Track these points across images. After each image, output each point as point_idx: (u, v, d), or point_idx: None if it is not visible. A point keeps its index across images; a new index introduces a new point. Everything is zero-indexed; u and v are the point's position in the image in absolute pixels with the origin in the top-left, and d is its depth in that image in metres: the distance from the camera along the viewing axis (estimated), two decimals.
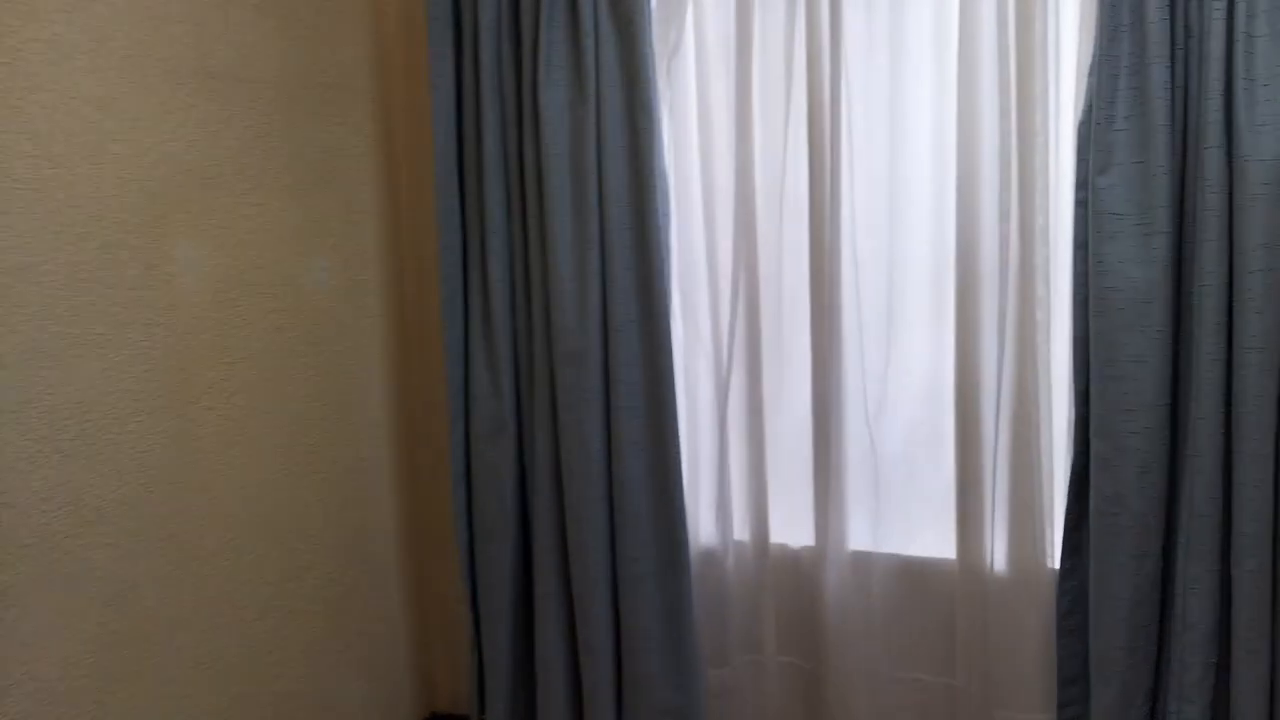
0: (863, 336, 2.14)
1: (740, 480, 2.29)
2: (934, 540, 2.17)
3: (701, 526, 2.32)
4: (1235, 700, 1.88)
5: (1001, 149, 2.00)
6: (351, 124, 2.38)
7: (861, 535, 2.22)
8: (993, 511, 2.10)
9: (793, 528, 2.28)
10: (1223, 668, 1.90)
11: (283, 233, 2.21)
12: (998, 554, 2.11)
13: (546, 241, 2.23)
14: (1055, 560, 2.05)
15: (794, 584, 2.29)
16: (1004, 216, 2.01)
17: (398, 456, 2.52)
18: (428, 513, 2.57)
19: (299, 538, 2.26)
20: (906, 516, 2.19)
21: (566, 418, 2.25)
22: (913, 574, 2.21)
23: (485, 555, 2.40)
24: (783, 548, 2.30)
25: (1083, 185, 1.92)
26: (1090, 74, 1.90)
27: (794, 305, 2.20)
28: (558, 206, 2.21)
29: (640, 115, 2.15)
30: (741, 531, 2.31)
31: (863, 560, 2.22)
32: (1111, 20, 1.86)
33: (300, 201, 2.25)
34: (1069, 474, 1.99)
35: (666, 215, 2.20)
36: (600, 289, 2.21)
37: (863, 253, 2.13)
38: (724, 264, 2.24)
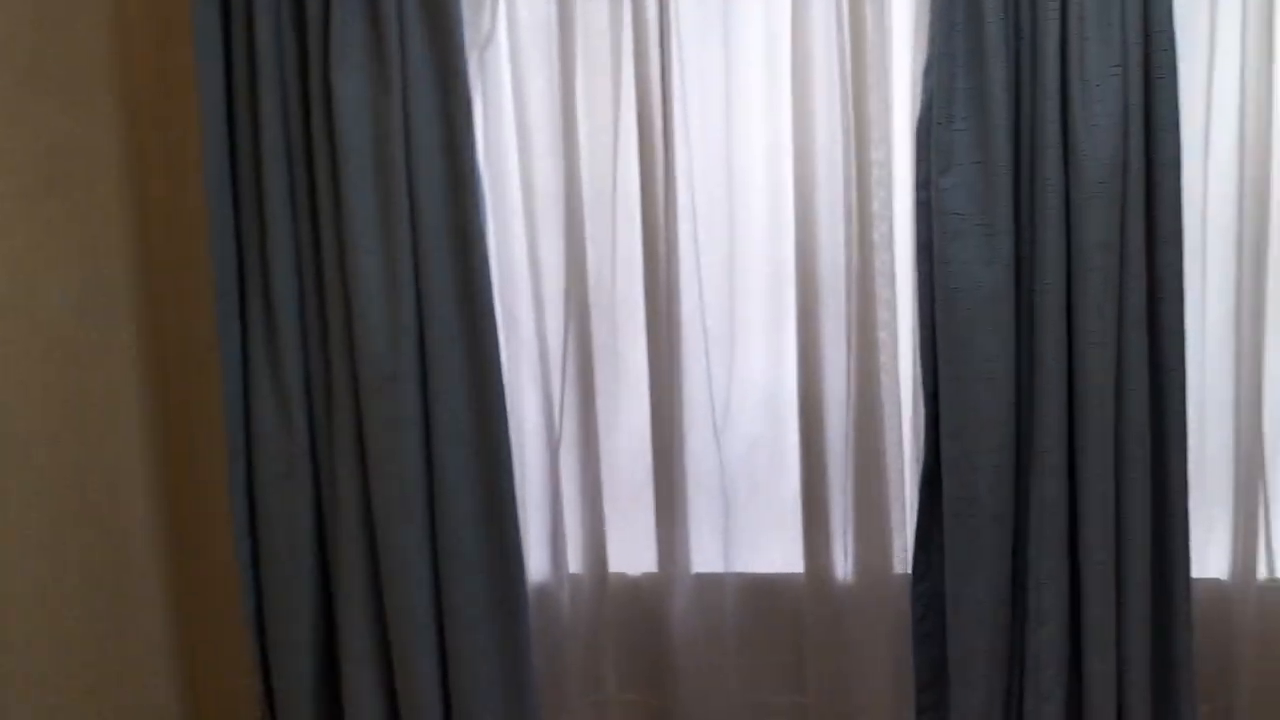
0: (708, 345, 2.02)
1: (574, 508, 2.11)
2: (783, 555, 2.09)
3: (533, 562, 2.11)
4: (1088, 694, 1.91)
5: (844, 146, 1.94)
6: (92, 114, 1.98)
7: (707, 556, 2.09)
8: (843, 520, 2.04)
9: (633, 554, 2.12)
10: (1075, 662, 1.94)
11: (9, 247, 1.80)
12: (846, 564, 2.06)
13: (346, 251, 1.95)
14: (906, 566, 2.02)
15: (635, 615, 2.14)
16: (848, 217, 1.95)
17: (163, 509, 2.13)
18: (204, 573, 2.19)
19: (46, 615, 1.84)
20: (754, 532, 2.09)
21: (377, 451, 1.98)
22: (761, 592, 2.11)
23: (278, 618, 2.07)
24: (622, 576, 2.14)
25: (924, 185, 1.90)
26: (926, 73, 1.88)
27: (629, 315, 2.04)
28: (359, 210, 1.94)
29: (456, 107, 1.92)
30: (576, 563, 2.12)
31: (708, 582, 2.10)
32: (946, 19, 1.84)
33: (29, 209, 1.85)
34: (919, 477, 1.96)
35: (485, 220, 1.98)
36: (414, 303, 1.96)
37: (703, 256, 2.00)
38: (550, 273, 2.05)
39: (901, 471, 2.01)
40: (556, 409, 2.08)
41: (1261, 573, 1.97)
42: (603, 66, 1.99)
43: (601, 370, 2.07)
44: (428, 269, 1.95)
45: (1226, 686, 2.01)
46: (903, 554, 2.03)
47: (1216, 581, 2.00)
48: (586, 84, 2.00)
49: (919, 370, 1.95)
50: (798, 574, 2.08)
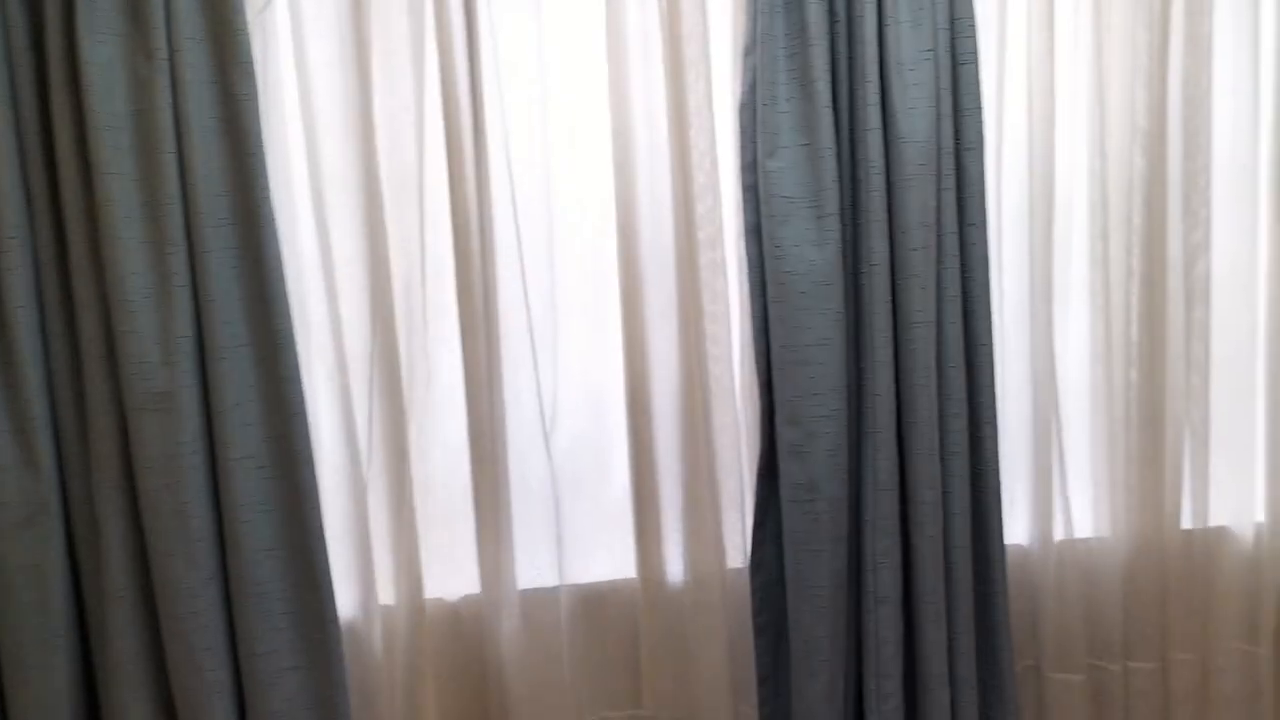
0: (534, 344, 1.87)
1: (383, 532, 1.88)
2: (615, 561, 1.97)
3: (337, 596, 1.86)
4: (921, 665, 1.94)
5: (665, 127, 1.86)
6: None
7: (534, 570, 1.94)
8: (676, 519, 1.95)
9: (451, 577, 1.93)
10: (909, 637, 1.96)
11: None
12: (679, 564, 1.97)
13: (102, 246, 1.65)
14: (740, 560, 1.97)
15: (457, 642, 1.94)
16: (674, 201, 1.87)
17: None
18: None
19: None
20: (584, 540, 1.96)
21: (150, 483, 1.68)
22: (594, 602, 1.98)
23: (24, 693, 1.70)
24: (440, 603, 1.94)
25: (750, 168, 1.86)
26: (748, 53, 1.85)
27: (441, 315, 1.85)
28: (116, 198, 1.65)
29: (237, 76, 1.66)
30: (387, 593, 1.90)
31: (536, 598, 1.94)
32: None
33: None
34: (756, 467, 1.92)
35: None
36: (191, 306, 1.68)
37: (525, 248, 1.85)
38: (345, 269, 1.82)
39: (737, 464, 1.95)
40: (362, 423, 1.85)
41: (1059, 534, 2.09)
42: (401, 35, 1.80)
43: (411, 377, 1.86)
44: (207, 265, 1.68)
45: (1035, 643, 2.11)
46: (737, 548, 1.98)
47: (1020, 547, 2.10)
48: (383, 54, 1.79)
49: (750, 358, 1.91)
50: (632, 579, 1.97)
